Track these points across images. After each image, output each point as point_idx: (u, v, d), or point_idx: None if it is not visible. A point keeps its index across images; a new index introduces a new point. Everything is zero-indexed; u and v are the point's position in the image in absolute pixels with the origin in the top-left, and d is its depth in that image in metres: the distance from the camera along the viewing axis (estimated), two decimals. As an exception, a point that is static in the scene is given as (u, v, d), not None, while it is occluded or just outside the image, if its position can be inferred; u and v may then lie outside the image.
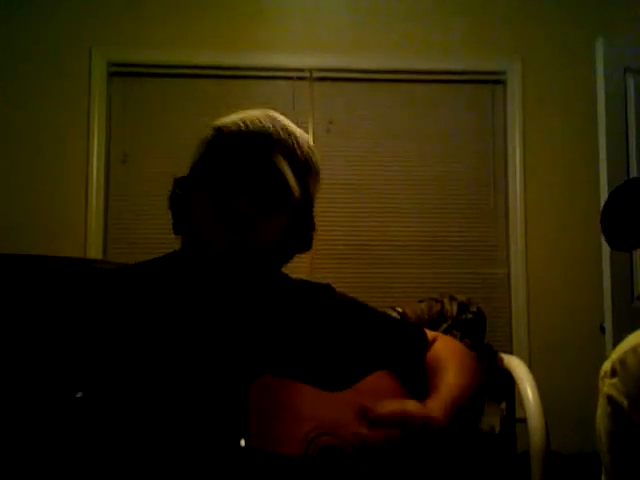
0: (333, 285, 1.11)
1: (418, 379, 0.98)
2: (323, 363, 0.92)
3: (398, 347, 1.03)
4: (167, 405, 0.80)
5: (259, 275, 0.99)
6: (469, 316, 1.42)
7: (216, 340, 0.88)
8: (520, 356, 2.49)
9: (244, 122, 0.94)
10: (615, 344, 2.35)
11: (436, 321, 1.42)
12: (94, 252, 2.84)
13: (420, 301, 1.52)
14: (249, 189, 0.91)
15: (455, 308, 1.43)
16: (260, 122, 0.95)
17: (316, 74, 3.01)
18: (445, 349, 1.04)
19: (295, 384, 0.83)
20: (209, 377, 0.83)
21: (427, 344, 1.05)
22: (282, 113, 1.01)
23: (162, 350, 0.85)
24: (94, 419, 0.79)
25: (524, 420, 1.30)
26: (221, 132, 0.95)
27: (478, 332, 1.40)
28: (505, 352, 1.44)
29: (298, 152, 0.98)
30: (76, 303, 0.90)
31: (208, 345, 0.87)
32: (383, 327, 1.05)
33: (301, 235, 1.05)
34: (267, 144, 0.94)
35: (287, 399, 0.81)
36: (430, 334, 1.09)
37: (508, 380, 1.49)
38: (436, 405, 0.86)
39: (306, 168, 1.00)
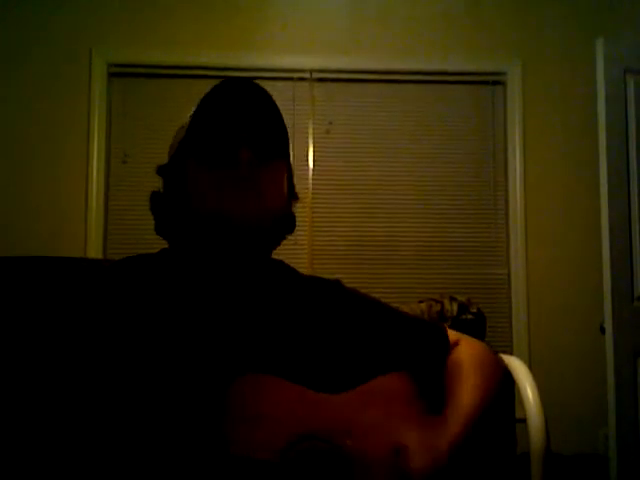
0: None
1: (437, 383, 0.94)
2: (325, 363, 0.89)
3: (414, 347, 0.98)
4: (145, 404, 0.78)
5: (262, 268, 0.96)
6: (469, 317, 1.41)
7: (209, 338, 0.86)
8: (520, 356, 2.48)
9: (219, 83, 0.92)
10: (615, 344, 2.37)
11: (433, 319, 1.42)
12: (94, 252, 2.84)
13: (420, 301, 1.51)
14: (247, 138, 0.88)
15: (455, 308, 1.43)
16: (232, 78, 0.92)
17: (316, 75, 3.02)
18: (467, 354, 0.97)
19: (285, 385, 0.80)
20: (194, 376, 0.81)
21: (447, 345, 0.99)
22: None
23: (152, 348, 0.83)
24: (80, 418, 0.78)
25: (524, 420, 1.30)
26: (202, 100, 0.92)
27: (478, 333, 1.40)
28: (505, 352, 1.44)
29: (274, 104, 0.93)
30: (68, 301, 0.88)
31: (200, 343, 0.85)
32: (397, 325, 1.00)
33: (293, 193, 1.00)
34: (249, 88, 0.91)
35: (273, 401, 0.78)
36: (453, 335, 1.02)
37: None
38: (443, 440, 0.82)
39: (282, 118, 0.95)
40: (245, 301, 0.91)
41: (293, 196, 1.00)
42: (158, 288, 0.91)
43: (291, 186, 0.98)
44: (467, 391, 0.89)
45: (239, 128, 0.90)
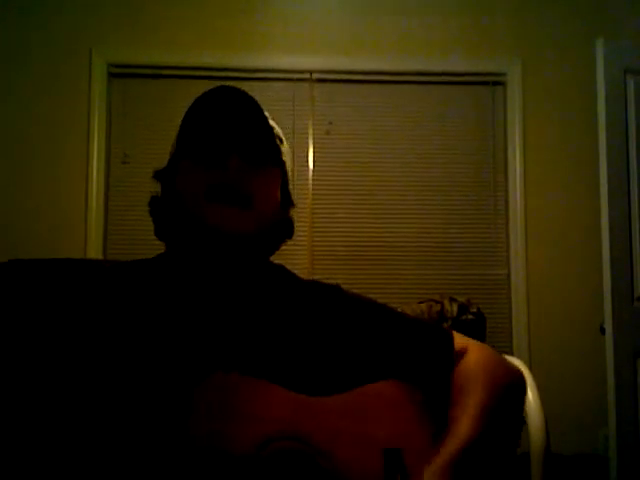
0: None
1: (441, 391, 0.90)
2: (318, 366, 0.87)
3: (418, 353, 0.94)
4: (113, 401, 0.78)
5: (256, 271, 0.96)
6: (469, 317, 1.41)
7: (187, 339, 0.85)
8: (520, 356, 2.49)
9: (211, 89, 0.92)
10: (615, 345, 2.37)
11: (436, 322, 1.41)
12: (94, 252, 2.84)
13: (420, 302, 1.52)
14: (235, 145, 0.89)
15: (455, 309, 1.43)
16: (220, 86, 0.93)
17: (316, 75, 3.01)
18: (475, 365, 0.92)
19: (264, 385, 0.79)
20: (163, 374, 0.80)
21: (452, 351, 0.95)
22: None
23: (131, 347, 0.82)
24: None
25: (524, 421, 1.30)
26: (190, 107, 0.93)
27: (478, 333, 1.40)
28: (505, 353, 1.44)
29: (262, 112, 0.94)
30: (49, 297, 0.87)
31: (177, 343, 0.84)
32: (400, 331, 0.96)
33: (288, 200, 1.00)
34: (237, 96, 0.92)
35: (248, 399, 0.77)
36: (461, 341, 0.97)
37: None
38: (440, 461, 0.79)
39: (270, 126, 0.95)
40: (235, 303, 0.91)
41: (288, 202, 0.99)
42: (149, 290, 0.91)
43: (285, 192, 0.98)
44: (471, 410, 0.86)
45: (228, 134, 0.90)
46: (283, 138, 0.99)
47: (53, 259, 0.92)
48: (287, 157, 0.99)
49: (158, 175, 0.97)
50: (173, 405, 0.75)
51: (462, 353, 0.95)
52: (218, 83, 0.94)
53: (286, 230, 0.99)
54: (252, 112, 0.92)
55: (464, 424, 0.84)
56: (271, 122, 0.96)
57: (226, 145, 0.89)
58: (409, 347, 0.95)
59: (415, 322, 1.02)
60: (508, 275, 3.00)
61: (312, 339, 0.90)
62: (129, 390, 0.79)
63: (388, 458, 0.80)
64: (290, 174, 1.01)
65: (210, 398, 0.74)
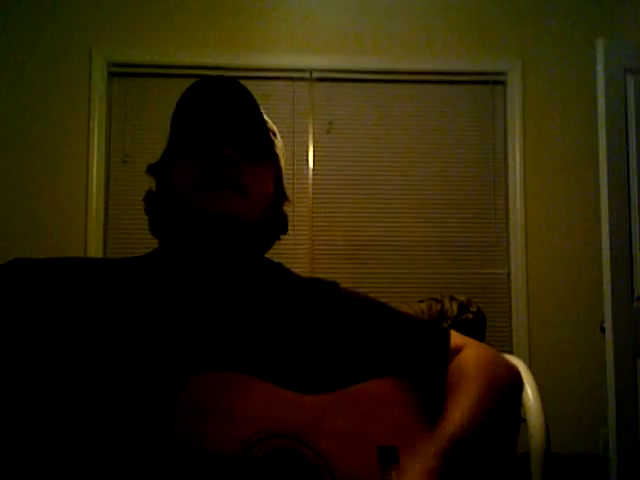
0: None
1: (437, 388, 0.89)
2: (311, 363, 0.86)
3: (413, 350, 0.93)
4: (98, 401, 0.77)
5: (250, 267, 0.94)
6: (469, 316, 1.41)
7: (174, 337, 0.83)
8: (520, 356, 2.49)
9: (203, 78, 0.90)
10: (615, 344, 2.37)
11: (436, 321, 1.41)
12: (94, 252, 2.84)
13: (420, 301, 1.51)
14: (229, 136, 0.87)
15: (455, 308, 1.43)
16: (217, 76, 0.91)
17: (316, 74, 3.02)
18: (472, 361, 0.91)
19: (254, 383, 0.77)
20: (148, 372, 0.79)
21: (448, 348, 0.94)
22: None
23: (113, 344, 0.81)
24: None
25: (524, 420, 1.30)
26: (182, 97, 0.91)
27: (478, 332, 1.40)
28: (505, 352, 1.44)
29: (255, 103, 0.92)
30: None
31: (163, 341, 0.82)
32: (396, 328, 0.95)
33: (282, 194, 0.98)
34: (230, 86, 0.90)
35: (236, 398, 0.75)
36: (458, 339, 0.97)
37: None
38: (421, 468, 0.77)
39: (263, 118, 0.93)
40: (228, 299, 0.89)
41: (282, 196, 0.98)
42: (140, 287, 0.89)
43: (279, 186, 0.97)
44: (464, 401, 0.85)
45: (221, 125, 0.88)
46: (277, 132, 0.98)
47: (55, 258, 0.91)
48: (280, 151, 0.98)
49: (152, 169, 0.95)
50: (158, 403, 0.74)
51: (459, 350, 0.95)
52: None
53: (280, 225, 0.97)
54: (244, 103, 0.90)
55: (457, 413, 0.84)
56: (265, 117, 0.94)
57: (217, 137, 0.88)
58: (405, 344, 0.94)
59: (412, 319, 1.02)
60: (508, 275, 3.00)
61: (307, 336, 0.89)
62: (113, 389, 0.77)
63: (383, 456, 0.79)
64: (285, 170, 1.00)
65: (198, 396, 0.73)
